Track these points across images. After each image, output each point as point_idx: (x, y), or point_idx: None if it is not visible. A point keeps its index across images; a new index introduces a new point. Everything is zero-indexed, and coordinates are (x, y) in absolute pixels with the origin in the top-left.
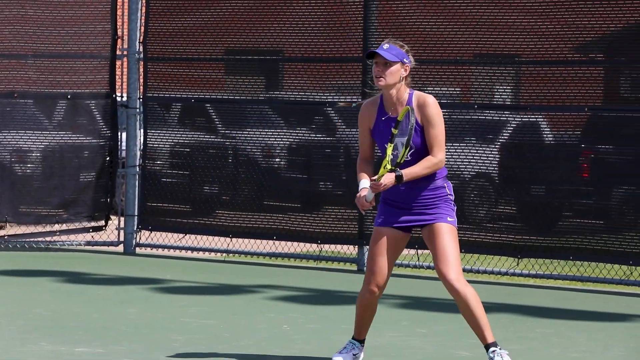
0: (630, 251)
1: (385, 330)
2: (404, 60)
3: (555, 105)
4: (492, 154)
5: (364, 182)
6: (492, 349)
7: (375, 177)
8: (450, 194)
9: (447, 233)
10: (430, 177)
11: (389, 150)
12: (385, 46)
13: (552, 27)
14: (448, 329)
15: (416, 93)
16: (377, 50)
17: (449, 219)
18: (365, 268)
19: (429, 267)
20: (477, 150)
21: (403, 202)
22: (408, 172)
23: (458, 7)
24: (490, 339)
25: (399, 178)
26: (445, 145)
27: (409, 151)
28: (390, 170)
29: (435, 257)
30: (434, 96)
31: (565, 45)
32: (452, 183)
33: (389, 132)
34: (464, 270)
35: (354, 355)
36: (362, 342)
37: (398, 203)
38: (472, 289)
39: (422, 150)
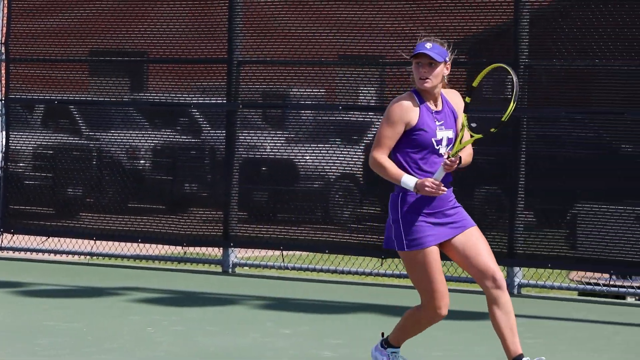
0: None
1: (249, 331)
2: (446, 59)
3: None
4: (357, 155)
5: (409, 177)
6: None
7: (451, 153)
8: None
9: (481, 234)
10: (449, 179)
11: (464, 122)
12: (428, 45)
13: (416, 29)
14: (312, 329)
15: (451, 90)
16: (424, 51)
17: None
18: (424, 292)
19: (293, 268)
20: (341, 151)
21: (435, 213)
22: (463, 158)
23: (323, 9)
24: (520, 349)
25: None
26: (310, 147)
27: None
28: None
29: (475, 253)
30: (300, 97)
31: None
32: (316, 184)
33: (434, 126)
34: (329, 271)
35: None
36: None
37: (431, 216)
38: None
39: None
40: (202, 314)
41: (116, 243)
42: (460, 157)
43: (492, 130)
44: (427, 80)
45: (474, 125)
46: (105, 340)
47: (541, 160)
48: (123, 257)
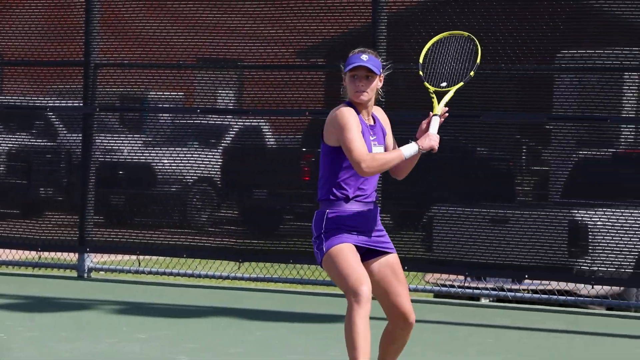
0: None
1: (103, 336)
2: (381, 71)
3: (277, 109)
4: (215, 158)
5: (408, 147)
6: None
7: (438, 109)
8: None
9: (401, 268)
10: (373, 196)
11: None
12: (365, 57)
13: (274, 31)
14: (168, 333)
15: (377, 108)
16: (362, 63)
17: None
18: (344, 283)
19: (149, 273)
20: (199, 154)
21: (361, 227)
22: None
23: (181, 11)
24: None
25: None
26: (168, 150)
27: None
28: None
29: (394, 292)
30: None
31: (287, 50)
32: (174, 188)
33: (369, 140)
34: (185, 275)
35: None
36: None
37: (354, 231)
38: None
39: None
40: (57, 319)
41: None
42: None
43: (471, 74)
44: (364, 93)
45: (444, 84)
46: None
47: None
48: None
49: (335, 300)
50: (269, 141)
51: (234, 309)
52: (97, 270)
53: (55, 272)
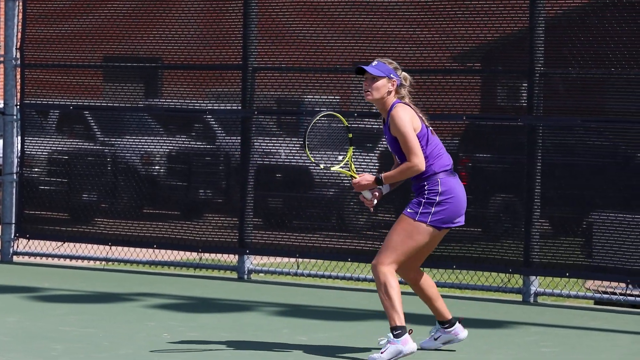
0: (507, 259)
1: (264, 337)
2: (391, 75)
3: (433, 113)
4: (372, 161)
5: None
6: (389, 333)
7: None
8: (429, 190)
9: (396, 222)
10: (417, 177)
11: (349, 154)
12: (374, 63)
13: (431, 37)
14: (328, 336)
15: (393, 108)
16: (364, 67)
17: (408, 210)
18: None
19: (309, 275)
20: (356, 158)
21: None
22: (387, 175)
23: (337, 15)
24: (392, 323)
25: (378, 180)
26: (325, 154)
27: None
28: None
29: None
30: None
31: (444, 54)
32: (331, 191)
33: (386, 139)
34: (344, 278)
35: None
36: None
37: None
38: (387, 279)
39: (403, 158)
40: (218, 320)
41: (131, 249)
42: (379, 179)
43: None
44: (368, 93)
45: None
46: (120, 346)
47: (557, 168)
48: (138, 262)
49: (499, 306)
50: None
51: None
52: (257, 272)
53: (215, 273)
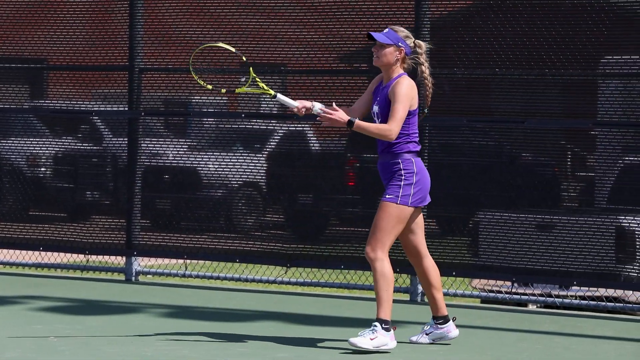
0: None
1: (151, 339)
2: (399, 44)
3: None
4: (260, 162)
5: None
6: (375, 323)
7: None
8: (403, 169)
9: (380, 210)
10: (389, 153)
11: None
12: (385, 30)
13: (318, 37)
14: (215, 337)
15: (402, 77)
16: (372, 33)
17: (387, 196)
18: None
19: (197, 276)
20: (244, 159)
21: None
22: (361, 123)
23: (224, 16)
24: (379, 315)
25: (350, 123)
26: (213, 154)
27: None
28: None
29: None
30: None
31: (330, 55)
32: (219, 192)
33: (377, 99)
34: (232, 279)
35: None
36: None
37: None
38: (382, 266)
39: (386, 121)
40: (106, 322)
41: (17, 251)
42: (351, 121)
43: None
44: (376, 57)
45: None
46: (7, 349)
47: (444, 168)
48: (24, 265)
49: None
50: (313, 146)
51: (281, 313)
52: (145, 273)
53: (103, 275)
